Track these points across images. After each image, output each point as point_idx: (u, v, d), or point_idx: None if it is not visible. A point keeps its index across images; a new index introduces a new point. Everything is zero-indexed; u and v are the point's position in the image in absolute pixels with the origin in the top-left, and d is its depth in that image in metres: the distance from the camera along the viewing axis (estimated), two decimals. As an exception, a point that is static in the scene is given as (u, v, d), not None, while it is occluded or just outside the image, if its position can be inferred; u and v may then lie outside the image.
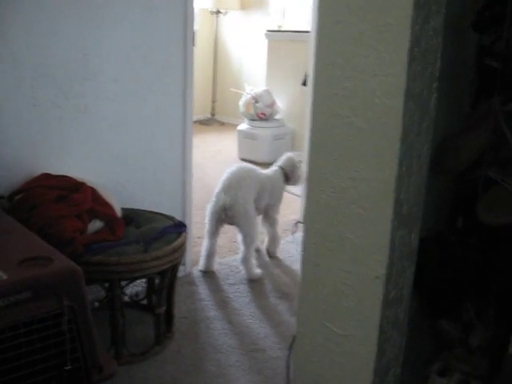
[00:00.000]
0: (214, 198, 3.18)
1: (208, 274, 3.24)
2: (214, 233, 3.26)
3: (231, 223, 3.21)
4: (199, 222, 3.94)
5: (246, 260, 3.19)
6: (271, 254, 3.58)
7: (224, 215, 3.14)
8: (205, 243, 3.30)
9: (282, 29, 6.60)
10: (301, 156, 3.68)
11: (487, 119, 1.58)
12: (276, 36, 6.30)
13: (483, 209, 1.60)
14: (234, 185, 3.13)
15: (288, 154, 3.65)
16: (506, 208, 1.53)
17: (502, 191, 1.56)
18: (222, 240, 3.72)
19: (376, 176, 1.28)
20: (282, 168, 3.53)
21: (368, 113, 1.26)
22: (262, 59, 6.56)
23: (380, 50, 1.23)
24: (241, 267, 3.25)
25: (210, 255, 3.29)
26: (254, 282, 3.15)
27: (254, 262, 3.20)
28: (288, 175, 3.53)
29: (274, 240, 3.56)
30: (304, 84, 4.95)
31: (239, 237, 3.22)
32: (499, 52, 1.50)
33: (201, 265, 3.30)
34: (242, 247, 3.21)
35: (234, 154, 6.01)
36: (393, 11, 1.21)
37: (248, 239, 3.16)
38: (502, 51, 1.49)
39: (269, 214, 3.50)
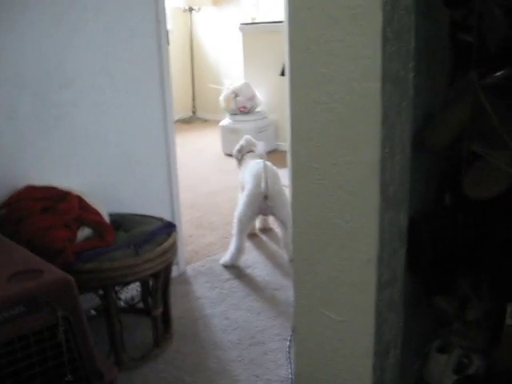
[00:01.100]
0: (250, 192, 3.27)
1: (204, 272, 3.23)
2: (246, 229, 3.34)
3: (268, 213, 3.38)
4: (189, 220, 3.93)
5: (288, 243, 3.25)
6: (266, 227, 3.82)
7: (263, 205, 3.27)
8: (235, 239, 3.32)
9: (255, 21, 6.58)
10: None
11: (466, 94, 1.58)
12: (250, 28, 6.28)
13: (469, 184, 1.60)
14: (269, 176, 3.28)
15: (246, 137, 3.79)
16: (491, 181, 1.54)
17: (486, 164, 1.56)
18: (213, 237, 3.71)
19: (360, 159, 1.27)
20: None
21: (346, 97, 1.25)
22: (239, 53, 6.54)
23: (353, 33, 1.23)
24: (283, 251, 3.40)
25: (240, 250, 3.33)
26: (247, 277, 3.15)
27: None
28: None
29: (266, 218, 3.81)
30: (282, 74, 4.94)
31: (278, 223, 3.41)
32: (472, 26, 1.50)
33: (227, 259, 3.32)
34: (280, 232, 3.40)
35: (218, 150, 5.99)
36: (363, -7, 1.20)
37: (288, 224, 3.24)
38: (475, 25, 1.49)
39: None
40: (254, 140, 3.75)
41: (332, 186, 1.34)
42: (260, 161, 3.46)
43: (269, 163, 3.48)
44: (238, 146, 3.71)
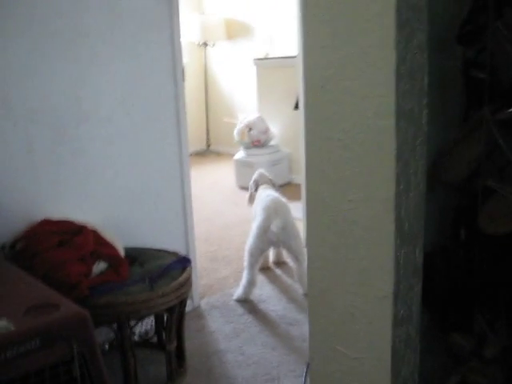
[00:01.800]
0: (260, 224, 3.29)
1: (218, 306, 3.23)
2: (257, 262, 3.35)
3: (279, 245, 3.42)
4: (203, 254, 3.94)
5: (302, 276, 3.28)
6: (280, 261, 3.80)
7: (275, 238, 3.30)
8: (246, 273, 3.33)
9: (269, 55, 6.67)
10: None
11: (480, 129, 1.59)
12: (264, 63, 6.37)
13: (484, 219, 1.60)
14: (279, 210, 3.34)
15: (259, 171, 3.86)
16: (506, 216, 1.54)
17: (501, 200, 1.56)
18: (227, 270, 3.72)
19: (374, 196, 1.28)
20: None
21: (361, 134, 1.27)
22: (253, 87, 6.62)
23: (367, 72, 1.25)
24: (298, 284, 3.41)
25: (252, 284, 3.34)
26: (262, 311, 3.14)
27: None
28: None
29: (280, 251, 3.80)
30: (296, 108, 4.99)
31: (291, 256, 3.40)
32: (484, 63, 1.52)
33: (239, 294, 3.32)
34: (295, 266, 3.37)
35: (232, 184, 6.02)
36: (376, 33, 1.23)
37: (301, 257, 3.30)
38: (487, 62, 1.51)
39: None
40: (267, 174, 3.80)
41: (347, 222, 1.35)
42: (271, 193, 3.50)
43: (279, 196, 3.51)
44: (252, 181, 3.76)
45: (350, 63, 1.27)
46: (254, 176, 3.79)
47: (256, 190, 3.71)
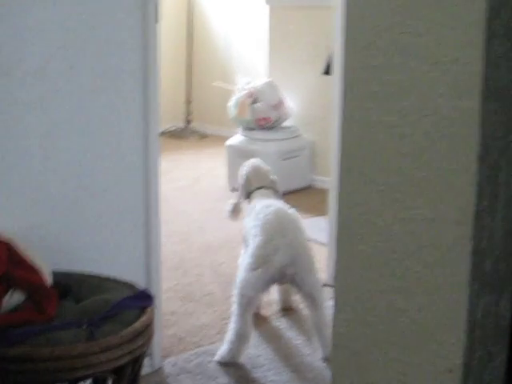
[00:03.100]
0: (257, 251, 3.25)
1: (190, 370, 3.23)
2: (251, 306, 3.30)
3: (286, 282, 3.39)
4: (172, 288, 3.93)
5: (322, 330, 3.24)
6: (287, 305, 3.83)
7: (281, 273, 3.24)
8: (235, 321, 3.28)
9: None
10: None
11: None
12: (282, 1, 6.36)
13: None
14: (288, 229, 3.30)
15: (253, 163, 3.77)
16: None
17: None
18: (207, 316, 3.71)
19: (443, 215, 1.28)
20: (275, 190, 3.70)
21: (427, 119, 1.27)
22: (262, 37, 6.61)
23: (441, 24, 1.25)
24: (314, 344, 3.37)
25: (243, 339, 3.28)
26: (257, 382, 3.14)
27: None
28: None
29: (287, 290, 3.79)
30: (327, 73, 4.99)
31: (304, 299, 3.37)
32: None
33: (223, 353, 3.29)
34: (310, 314, 3.34)
35: (222, 182, 6.00)
36: (459, -36, 1.23)
37: (320, 301, 3.28)
38: None
39: None
40: (265, 168, 3.74)
41: (398, 253, 1.35)
42: (273, 203, 3.44)
43: (286, 207, 3.46)
44: (241, 177, 3.71)
45: (416, 8, 1.27)
46: (244, 171, 3.70)
47: (248, 196, 3.65)
